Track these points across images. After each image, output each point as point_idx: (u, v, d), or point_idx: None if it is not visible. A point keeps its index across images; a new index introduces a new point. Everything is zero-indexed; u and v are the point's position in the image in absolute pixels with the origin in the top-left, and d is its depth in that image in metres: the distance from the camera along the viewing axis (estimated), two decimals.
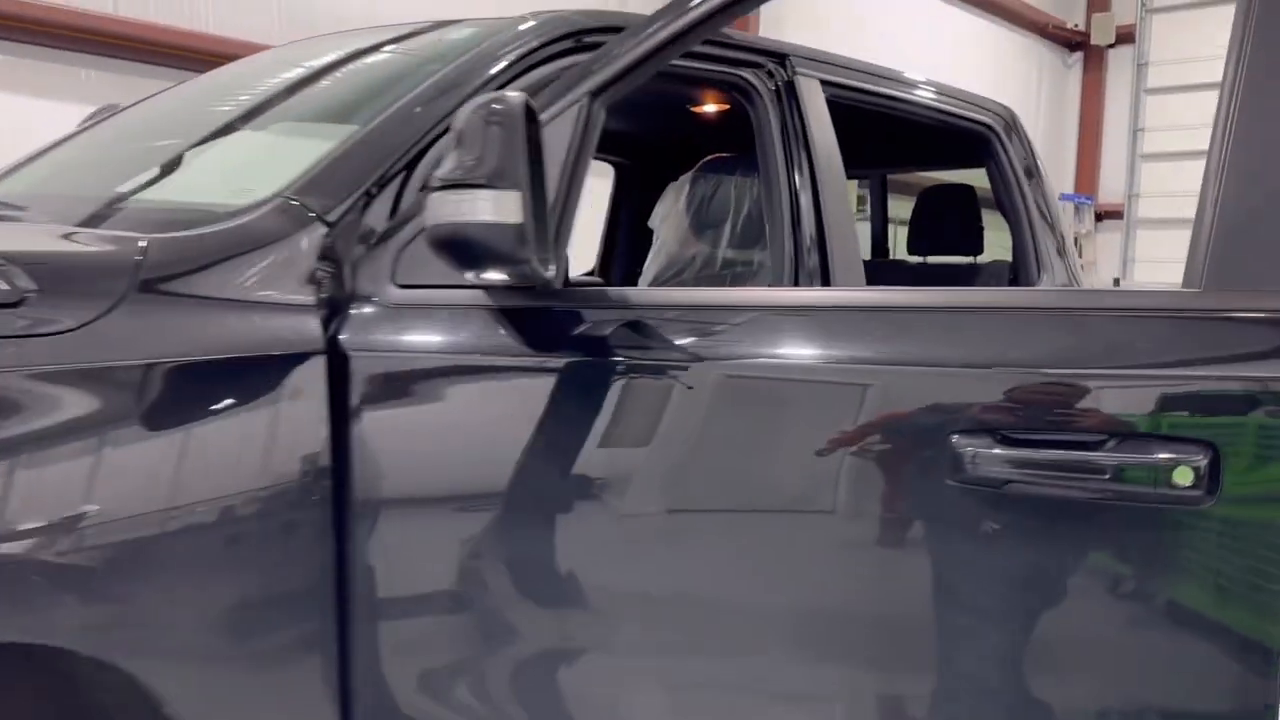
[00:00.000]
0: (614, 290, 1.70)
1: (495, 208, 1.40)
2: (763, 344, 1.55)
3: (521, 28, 2.11)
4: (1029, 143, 3.37)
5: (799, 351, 1.55)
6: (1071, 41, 15.32)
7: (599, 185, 4.54)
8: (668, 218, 3.12)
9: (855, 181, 4.35)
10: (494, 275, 1.54)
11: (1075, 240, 14.93)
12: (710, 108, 3.19)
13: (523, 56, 2.03)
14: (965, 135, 3.24)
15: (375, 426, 1.63)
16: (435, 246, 1.49)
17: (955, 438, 1.37)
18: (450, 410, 1.68)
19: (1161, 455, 1.27)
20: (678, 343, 1.58)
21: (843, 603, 1.48)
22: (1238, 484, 1.22)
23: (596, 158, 4.19)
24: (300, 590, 1.59)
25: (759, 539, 1.54)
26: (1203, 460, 1.22)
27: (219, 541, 1.49)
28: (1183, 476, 1.21)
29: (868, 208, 4.25)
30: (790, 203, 2.45)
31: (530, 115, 1.41)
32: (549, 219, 1.43)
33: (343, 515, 1.59)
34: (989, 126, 3.23)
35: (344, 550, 1.63)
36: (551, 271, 1.47)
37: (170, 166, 2.22)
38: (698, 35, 1.64)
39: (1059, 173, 15.19)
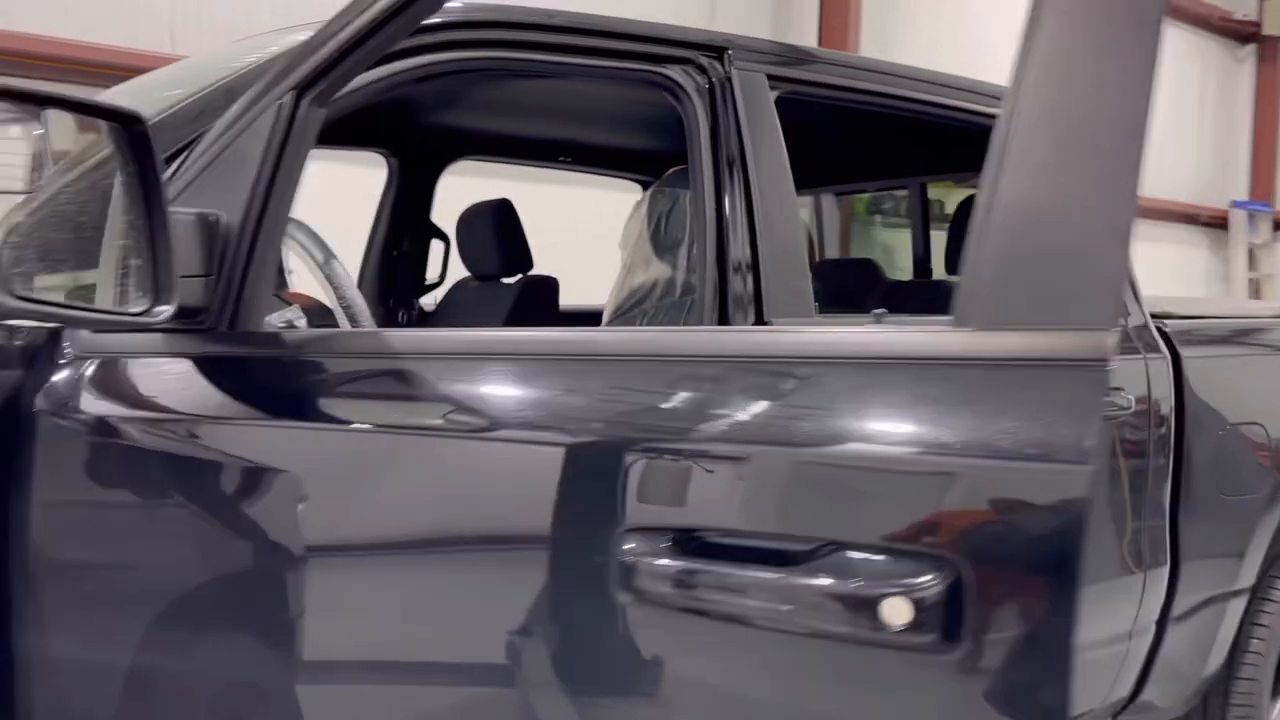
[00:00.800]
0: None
1: None
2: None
3: None
4: None
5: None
6: (1242, 34, 14.02)
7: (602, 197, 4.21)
8: (636, 238, 2.81)
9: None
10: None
11: (1250, 252, 13.64)
12: (642, 113, 2.85)
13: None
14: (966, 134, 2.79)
15: None
16: None
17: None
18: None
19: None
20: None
21: None
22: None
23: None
24: None
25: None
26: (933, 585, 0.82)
27: None
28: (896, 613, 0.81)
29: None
30: (715, 220, 2.10)
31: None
32: (159, 247, 1.15)
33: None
34: None
35: None
36: (150, 307, 1.19)
37: None
38: (420, 10, 1.31)
39: (1230, 178, 13.93)
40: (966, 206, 3.22)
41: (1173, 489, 2.34)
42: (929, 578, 0.82)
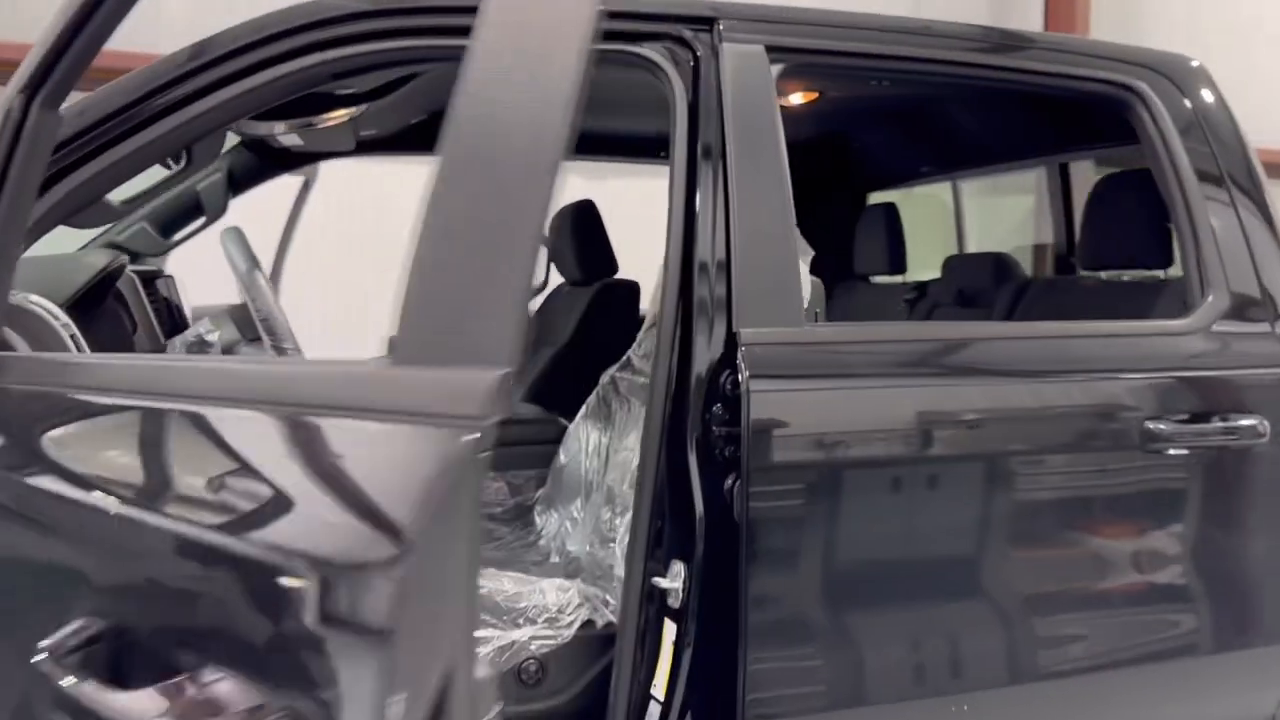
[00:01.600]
0: None
1: None
2: None
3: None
4: (1214, 108, 2.33)
5: None
6: None
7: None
8: None
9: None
10: None
11: None
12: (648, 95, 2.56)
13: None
14: (1089, 104, 2.32)
15: None
16: None
17: None
18: None
19: None
20: None
21: None
22: None
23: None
24: None
25: None
26: None
27: None
28: None
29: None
30: (684, 214, 1.82)
31: None
32: None
33: None
34: (1127, 88, 2.27)
35: None
36: None
37: None
38: None
39: None
40: (1106, 187, 2.72)
41: None
42: None
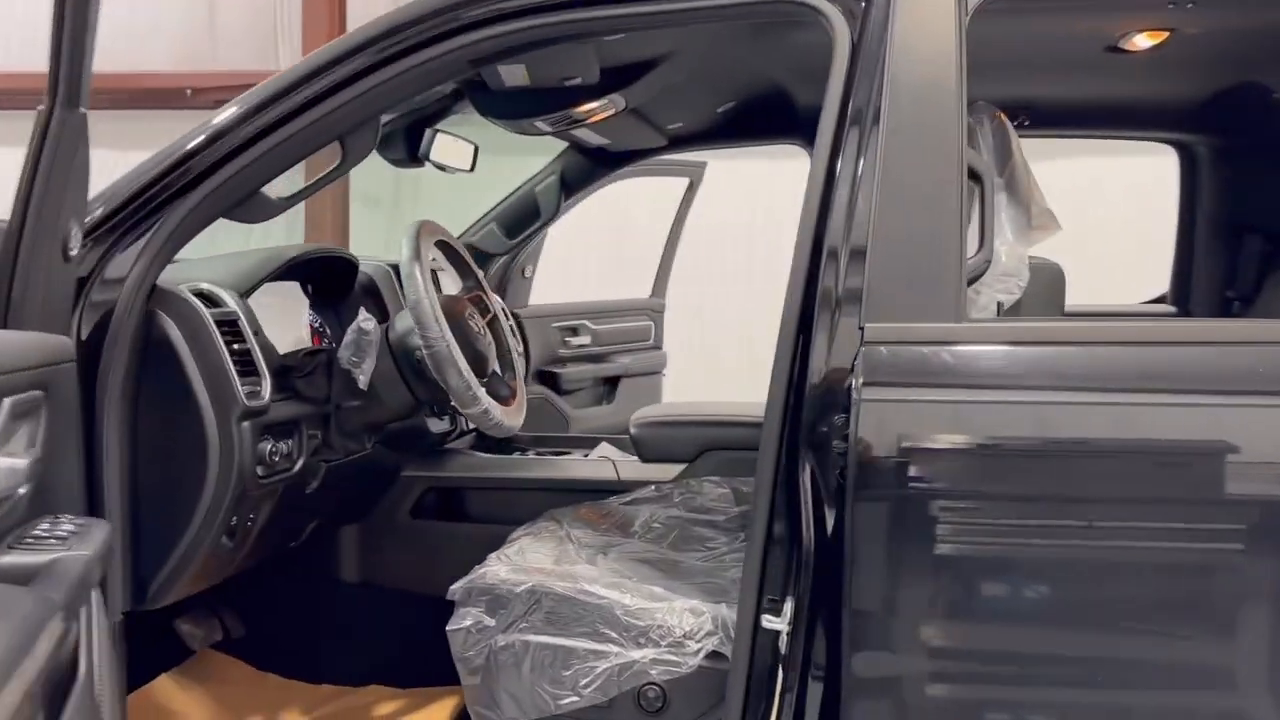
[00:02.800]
0: None
1: None
2: None
3: None
4: None
5: None
6: None
7: None
8: None
9: None
10: None
11: None
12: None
13: None
14: None
15: None
16: None
17: None
18: None
19: None
20: None
21: None
22: None
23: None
24: None
25: None
26: None
27: None
28: None
29: None
30: (821, 189, 1.52)
31: None
32: None
33: None
34: None
35: None
36: None
37: None
38: None
39: None
40: None
41: None
42: None
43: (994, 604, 1.36)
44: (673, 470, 2.32)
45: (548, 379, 3.58)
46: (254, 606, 2.35)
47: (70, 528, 1.20)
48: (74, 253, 1.38)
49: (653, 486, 2.26)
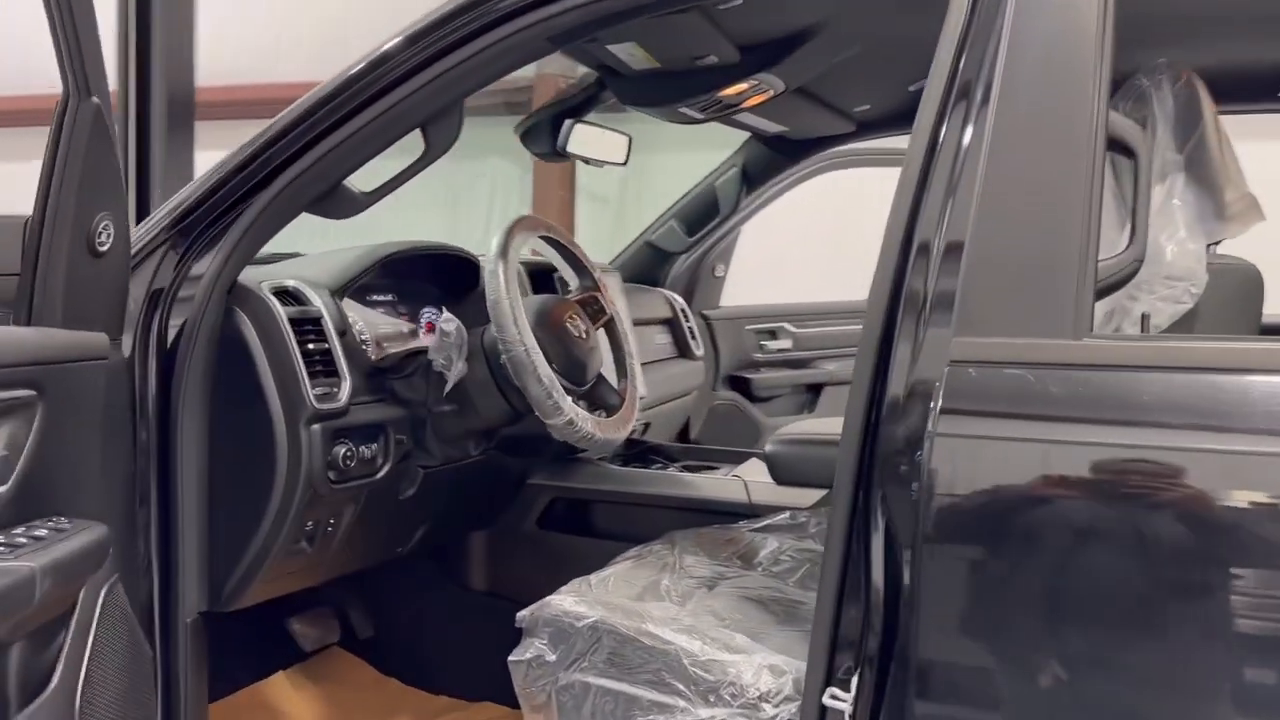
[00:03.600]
0: None
1: None
2: None
3: None
4: None
5: None
6: None
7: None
8: None
9: None
10: None
11: None
12: None
13: None
14: None
15: None
16: None
17: None
18: None
19: None
20: None
21: None
22: None
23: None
24: None
25: None
26: None
27: None
28: None
29: None
30: (917, 181, 1.23)
31: None
32: None
33: None
34: None
35: None
36: None
37: None
38: None
39: None
40: None
41: None
42: None
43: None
44: (813, 496, 2.06)
45: (739, 384, 3.37)
46: (383, 608, 2.32)
47: (43, 532, 1.15)
48: (104, 248, 1.34)
49: (788, 514, 2.02)
